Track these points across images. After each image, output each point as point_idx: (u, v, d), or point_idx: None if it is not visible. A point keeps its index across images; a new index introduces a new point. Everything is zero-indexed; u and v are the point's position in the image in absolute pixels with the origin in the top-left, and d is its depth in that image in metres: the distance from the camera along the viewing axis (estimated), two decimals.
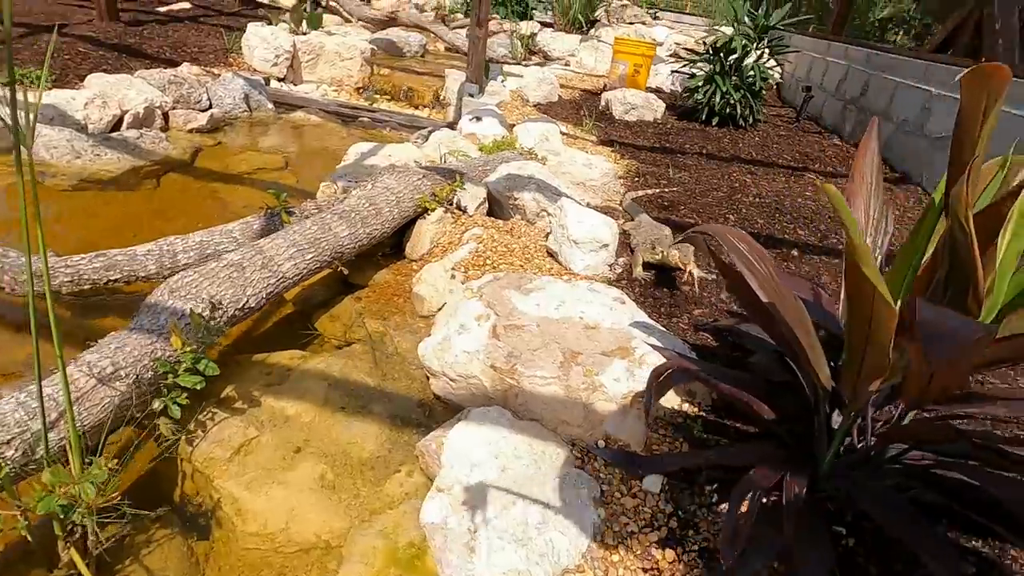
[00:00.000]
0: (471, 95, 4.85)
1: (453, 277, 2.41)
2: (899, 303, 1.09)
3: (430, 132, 4.32)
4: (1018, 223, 1.05)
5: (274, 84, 5.42)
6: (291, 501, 1.53)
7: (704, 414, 1.69)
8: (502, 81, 5.53)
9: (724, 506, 1.43)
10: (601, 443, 1.58)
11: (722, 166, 4.09)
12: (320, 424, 1.77)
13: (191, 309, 1.66)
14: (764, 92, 5.10)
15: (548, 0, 10.51)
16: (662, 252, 2.35)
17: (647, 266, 2.44)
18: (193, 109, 4.35)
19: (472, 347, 1.75)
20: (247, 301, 1.93)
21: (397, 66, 6.37)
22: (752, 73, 4.82)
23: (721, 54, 4.91)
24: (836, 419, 1.43)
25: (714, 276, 2.45)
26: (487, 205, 2.95)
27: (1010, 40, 3.68)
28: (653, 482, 1.47)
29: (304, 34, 5.75)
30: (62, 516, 1.14)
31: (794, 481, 1.25)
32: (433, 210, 2.78)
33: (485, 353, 1.72)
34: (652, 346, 1.76)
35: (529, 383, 1.62)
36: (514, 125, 4.38)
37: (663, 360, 1.71)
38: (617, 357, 1.72)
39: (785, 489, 1.24)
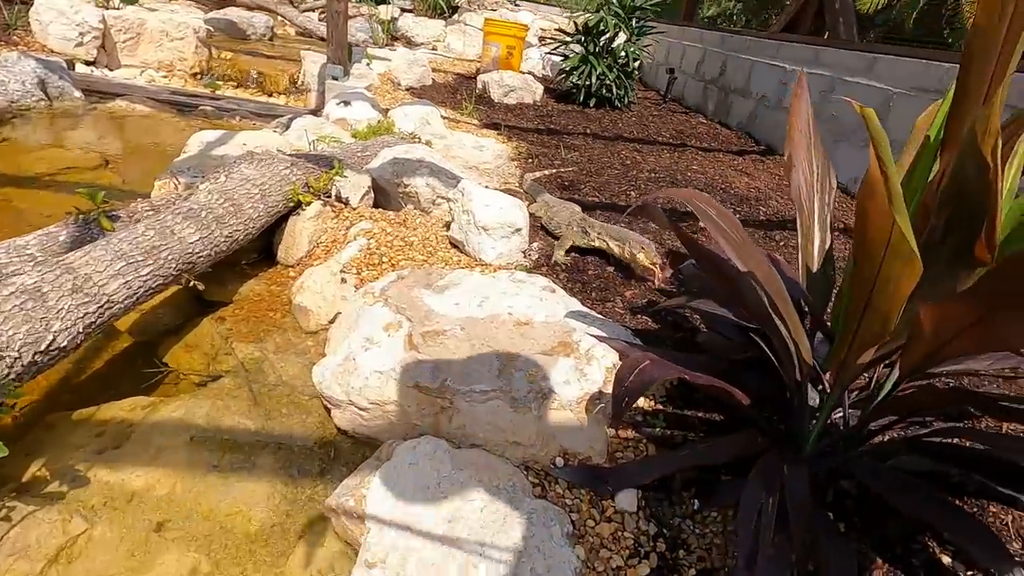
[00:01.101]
0: (335, 78, 4.33)
1: (344, 281, 1.99)
2: (916, 257, 0.94)
3: (290, 119, 3.76)
4: (1020, 157, 0.95)
5: (82, 69, 4.44)
6: None
7: (662, 407, 1.50)
8: (367, 64, 5.04)
9: (711, 514, 1.23)
10: (559, 460, 1.31)
11: (608, 145, 4.02)
12: (184, 495, 1.30)
13: (23, 332, 1.12)
14: (636, 74, 5.16)
15: None
16: (596, 236, 2.14)
17: (571, 249, 2.21)
18: None
19: (385, 365, 1.39)
20: (54, 339, 1.38)
21: (241, 49, 5.58)
22: (624, 54, 4.83)
23: (592, 34, 4.87)
24: (811, 396, 1.30)
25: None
26: (372, 195, 2.55)
27: (848, 19, 4.02)
28: (628, 500, 1.23)
29: (117, 8, 4.78)
30: None
31: (795, 477, 1.08)
32: (308, 203, 2.31)
33: (403, 371, 1.37)
34: (596, 337, 1.52)
35: (466, 401, 1.30)
36: (388, 109, 3.96)
37: (610, 351, 1.49)
38: (561, 355, 1.46)
39: (787, 485, 1.06)
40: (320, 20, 7.46)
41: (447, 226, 2.37)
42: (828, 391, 1.21)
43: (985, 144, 0.82)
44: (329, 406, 1.51)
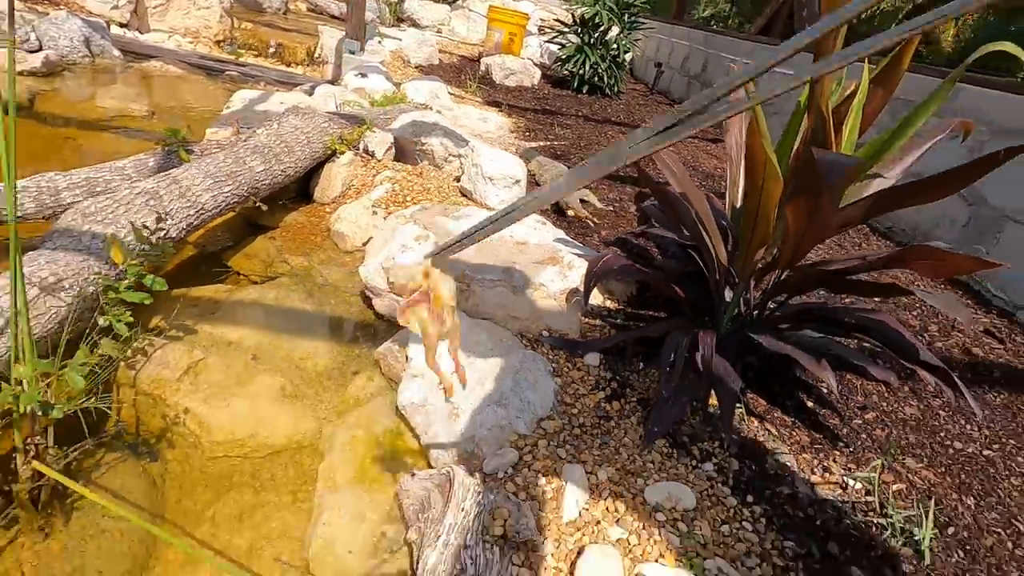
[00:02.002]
0: (352, 52, 4.74)
1: (375, 214, 2.46)
2: (782, 181, 1.43)
3: (312, 87, 4.18)
4: (855, 116, 1.44)
5: (115, 30, 4.79)
6: (255, 411, 1.54)
7: (623, 307, 1.99)
8: (379, 41, 5.45)
9: (650, 372, 1.72)
10: (545, 333, 1.80)
11: (598, 126, 4.50)
12: (268, 345, 1.77)
13: (134, 223, 1.57)
14: (626, 65, 5.64)
15: None
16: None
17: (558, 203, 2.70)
18: (18, 48, 3.73)
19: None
20: (167, 231, 1.83)
21: (259, 21, 5.95)
22: (616, 46, 5.30)
23: (588, 26, 5.33)
24: (728, 296, 1.80)
25: (611, 208, 2.79)
26: (394, 151, 3.00)
27: (814, 22, 4.53)
28: (593, 359, 1.72)
29: None
30: (41, 412, 1.08)
31: (705, 335, 1.57)
32: (343, 153, 2.77)
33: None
34: (575, 254, 2.01)
35: (480, 286, 1.79)
36: (400, 83, 4.39)
37: (585, 262, 1.98)
38: (549, 264, 1.94)
39: (699, 341, 1.56)
40: None
41: (457, 179, 2.84)
42: (738, 285, 1.71)
43: (822, 104, 1.32)
44: (371, 295, 1.98)
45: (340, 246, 2.43)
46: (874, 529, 1.27)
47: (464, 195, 2.73)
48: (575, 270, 1.94)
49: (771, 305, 1.75)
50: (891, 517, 1.28)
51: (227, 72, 4.64)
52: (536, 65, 6.17)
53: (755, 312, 1.73)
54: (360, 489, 1.34)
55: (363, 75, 4.28)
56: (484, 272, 1.82)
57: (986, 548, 1.27)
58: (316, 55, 5.34)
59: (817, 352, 1.42)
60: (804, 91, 1.49)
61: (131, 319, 1.47)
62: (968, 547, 1.26)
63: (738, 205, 1.87)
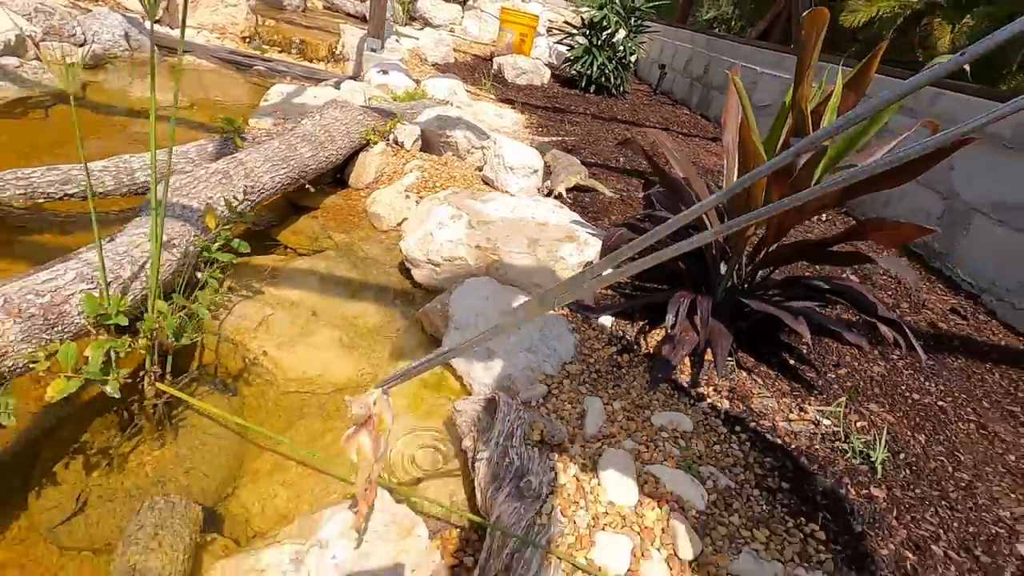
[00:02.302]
0: (373, 50, 5.01)
1: (407, 198, 2.73)
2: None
3: (337, 82, 4.44)
4: (830, 115, 1.71)
5: (148, 25, 5.04)
6: (319, 357, 1.82)
7: (631, 280, 2.27)
8: (397, 40, 5.71)
9: (655, 332, 2.00)
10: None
11: (605, 124, 4.78)
12: (324, 305, 2.05)
13: (224, 196, 1.85)
14: (631, 66, 5.91)
15: None
16: (580, 176, 2.90)
17: (570, 189, 2.98)
18: (66, 42, 4.00)
19: (454, 236, 2.14)
20: (237, 206, 2.10)
21: (281, 18, 6.21)
22: (623, 48, 5.58)
23: (596, 29, 5.60)
24: (723, 269, 2.07)
25: (619, 196, 3.07)
26: (420, 142, 3.27)
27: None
28: (606, 320, 2.00)
29: None
30: (173, 339, 1.35)
31: (703, 300, 1.85)
32: (376, 143, 3.04)
33: (467, 238, 2.12)
34: (590, 234, 2.28)
35: (508, 257, 2.06)
36: (419, 80, 4.66)
37: (599, 241, 2.25)
38: (567, 242, 2.22)
39: (698, 305, 1.84)
40: None
41: (479, 169, 3.12)
42: (731, 259, 1.98)
43: (803, 105, 1.59)
44: (410, 266, 2.25)
45: (376, 226, 2.70)
46: (838, 452, 1.55)
47: (486, 183, 3.00)
48: (590, 247, 2.21)
49: (760, 276, 2.02)
50: (852, 443, 1.56)
51: (255, 67, 4.91)
52: (545, 65, 6.44)
53: (746, 282, 2.01)
54: (414, 417, 1.62)
55: (385, 72, 4.55)
56: (512, 245, 2.10)
57: (929, 470, 1.55)
58: (337, 52, 5.60)
59: (796, 313, 1.70)
60: (789, 93, 1.76)
61: (221, 276, 1.74)
62: (914, 468, 1.54)
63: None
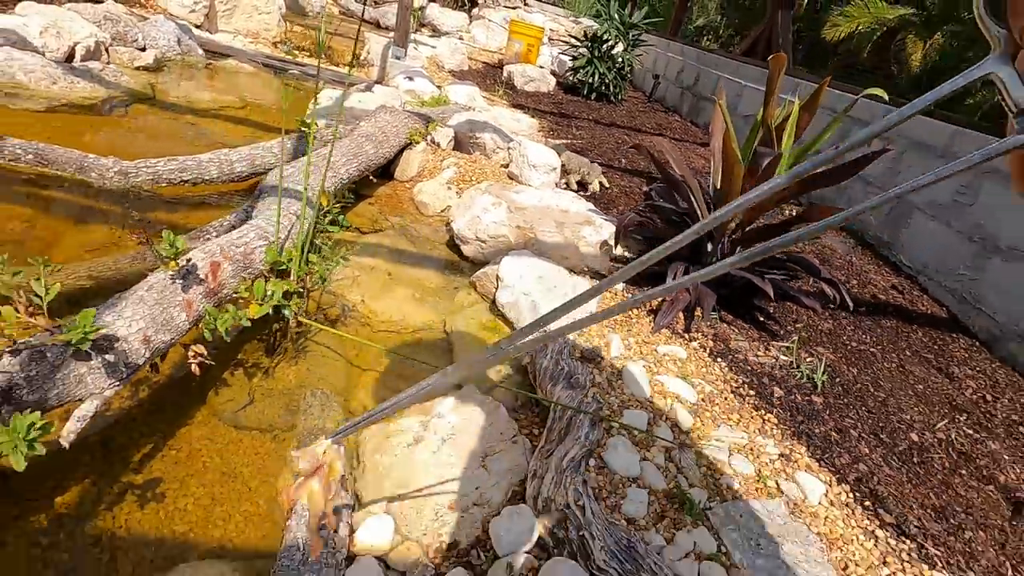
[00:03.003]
0: (397, 58, 5.53)
1: (449, 188, 3.28)
2: (745, 166, 2.27)
3: (368, 87, 4.96)
4: (790, 129, 2.29)
5: (194, 31, 5.52)
6: (399, 307, 2.35)
7: (636, 256, 2.83)
8: (415, 48, 6.24)
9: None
10: (584, 269, 2.63)
11: (606, 129, 5.35)
12: (395, 270, 2.58)
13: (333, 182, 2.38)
14: (628, 76, 6.49)
15: None
16: (586, 173, 3.47)
17: (580, 184, 3.54)
18: (130, 47, 4.47)
19: (498, 219, 2.69)
20: (316, 189, 2.62)
21: (305, 24, 6.70)
22: (621, 60, 6.16)
23: (597, 42, 6.18)
24: (709, 247, 2.64)
25: (623, 191, 3.64)
26: (453, 142, 3.81)
27: (788, 48, 5.43)
28: (619, 286, 2.56)
29: None
30: (322, 283, 1.89)
31: (693, 268, 2.42)
32: (418, 143, 3.57)
33: (508, 220, 2.67)
34: (604, 219, 2.84)
35: (541, 235, 2.62)
36: (440, 86, 5.19)
37: (611, 225, 2.81)
38: (586, 225, 2.77)
39: (689, 272, 2.40)
40: (358, 3, 8.57)
41: (505, 166, 3.66)
42: (715, 239, 2.55)
43: (769, 121, 2.17)
44: (459, 243, 2.79)
45: (423, 212, 3.24)
46: (791, 375, 2.12)
47: (511, 178, 3.55)
48: (604, 229, 2.77)
49: (737, 251, 2.60)
50: (802, 370, 2.13)
51: (289, 71, 5.40)
52: (550, 73, 7.00)
53: (726, 256, 2.58)
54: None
55: (410, 79, 5.08)
56: (544, 226, 2.65)
57: (856, 389, 2.13)
58: (362, 58, 6.11)
59: (763, 277, 2.28)
60: (760, 111, 2.33)
61: (330, 244, 2.27)
62: (845, 387, 2.12)
63: (718, 186, 2.73)
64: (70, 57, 3.90)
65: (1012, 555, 1.52)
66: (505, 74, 6.29)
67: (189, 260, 1.55)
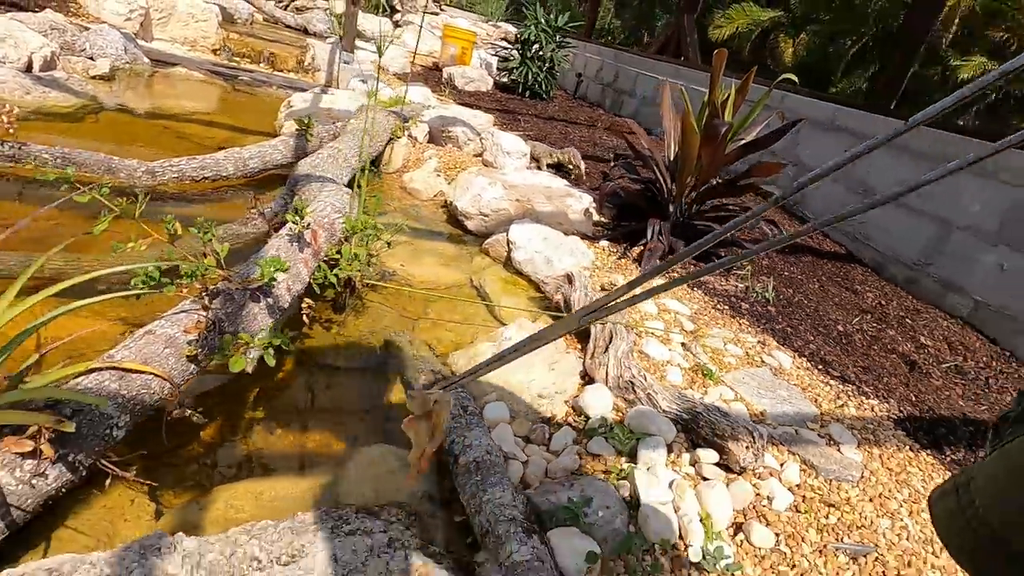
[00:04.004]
0: (347, 63, 5.78)
1: (438, 176, 3.67)
2: (699, 137, 2.87)
3: (322, 91, 5.19)
4: (730, 107, 2.93)
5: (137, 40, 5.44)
6: (432, 270, 2.74)
7: (611, 220, 3.39)
8: (357, 53, 6.48)
9: (634, 248, 3.12)
10: (574, 232, 3.14)
11: (547, 122, 5.92)
12: (416, 242, 2.96)
13: (339, 172, 2.72)
14: (557, 75, 7.12)
15: None
16: (558, 156, 4.00)
17: (549, 166, 4.06)
18: (80, 56, 4.43)
19: (497, 195, 3.14)
20: (342, 178, 2.95)
21: (241, 32, 6.72)
22: (550, 59, 6.77)
23: (528, 44, 6.75)
24: (671, 208, 3.25)
25: (592, 171, 4.21)
26: (428, 136, 4.20)
27: (694, 47, 6.29)
28: (604, 243, 3.10)
29: None
30: (371, 256, 2.25)
31: (664, 224, 3.01)
32: (400, 137, 3.93)
33: (507, 196, 3.13)
34: (581, 192, 3.38)
35: (536, 206, 3.10)
36: (393, 88, 5.51)
37: (587, 201, 3.35)
38: (568, 197, 3.29)
39: (660, 225, 2.99)
40: (286, 10, 8.60)
41: (478, 155, 4.11)
42: (677, 199, 3.16)
43: (716, 100, 2.79)
44: (463, 219, 3.20)
45: (417, 197, 3.61)
46: (750, 295, 2.76)
47: (486, 165, 4.00)
48: (584, 200, 3.30)
49: (695, 208, 3.23)
50: (756, 291, 2.78)
51: (240, 77, 5.49)
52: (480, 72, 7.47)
53: (688, 212, 3.20)
54: (505, 294, 2.61)
55: (364, 81, 5.37)
56: (536, 199, 3.14)
57: (795, 303, 2.81)
58: (306, 63, 6.27)
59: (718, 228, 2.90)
60: (707, 93, 2.96)
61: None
62: (788, 301, 2.79)
63: (672, 157, 3.35)
64: (28, 67, 3.86)
65: (913, 389, 2.20)
66: (445, 76, 6.69)
67: (308, 225, 1.88)
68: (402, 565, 1.05)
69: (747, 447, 1.50)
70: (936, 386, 2.30)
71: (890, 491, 1.58)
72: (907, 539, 1.43)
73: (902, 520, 1.49)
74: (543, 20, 6.72)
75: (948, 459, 1.85)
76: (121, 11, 5.41)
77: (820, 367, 2.21)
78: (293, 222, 1.80)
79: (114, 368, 1.25)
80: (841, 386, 2.11)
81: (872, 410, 2.01)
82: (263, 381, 1.78)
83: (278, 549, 1.07)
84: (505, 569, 1.05)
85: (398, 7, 10.92)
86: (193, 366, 1.41)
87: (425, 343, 2.26)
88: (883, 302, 3.08)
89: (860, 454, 1.71)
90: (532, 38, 6.71)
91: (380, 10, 10.41)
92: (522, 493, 1.32)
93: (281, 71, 6.24)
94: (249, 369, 1.56)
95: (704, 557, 1.25)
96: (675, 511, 1.35)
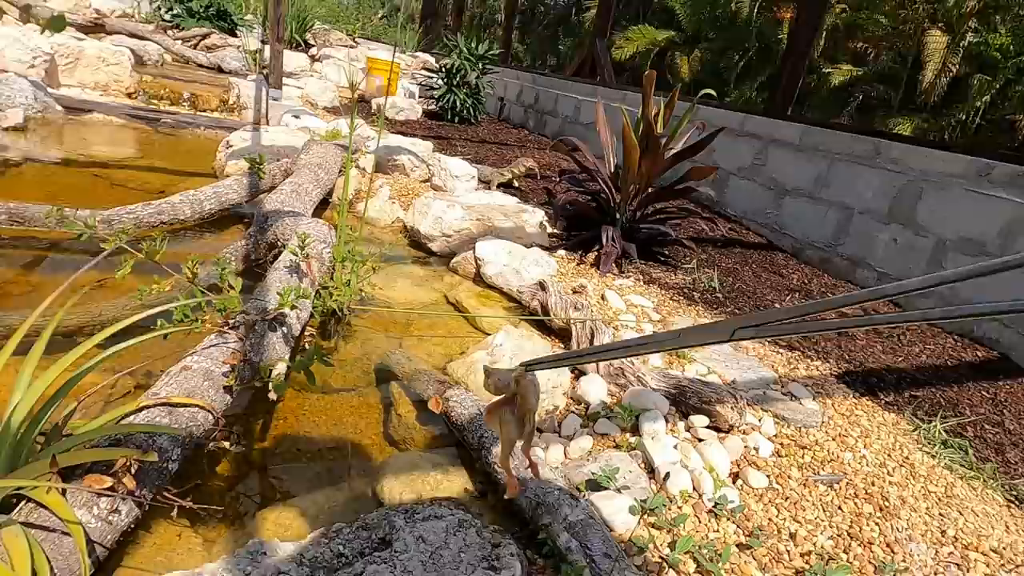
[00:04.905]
0: (275, 99, 5.75)
1: (393, 203, 3.79)
2: (638, 149, 3.19)
3: (254, 128, 5.15)
4: (661, 120, 3.27)
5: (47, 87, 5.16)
6: (407, 291, 2.86)
7: (562, 232, 3.64)
8: (282, 89, 6.45)
9: (589, 255, 3.38)
10: (533, 244, 3.36)
11: (480, 144, 6.16)
12: (385, 267, 3.06)
13: (304, 206, 2.79)
14: (483, 100, 7.41)
15: (250, 22, 11.01)
16: (510, 172, 4.24)
17: (499, 185, 4.28)
18: None
19: (458, 216, 3.30)
20: (307, 211, 3.01)
21: (154, 73, 6.51)
22: (476, 85, 7.06)
23: (453, 72, 7.01)
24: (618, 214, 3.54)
25: (537, 187, 4.45)
26: (376, 166, 4.30)
27: (608, 68, 6.79)
28: (561, 252, 3.33)
29: (50, 36, 5.51)
30: (362, 293, 2.35)
31: (614, 230, 3.29)
32: (349, 169, 4.00)
33: (468, 216, 3.30)
34: (532, 208, 3.61)
35: (497, 223, 3.29)
36: (327, 122, 5.56)
37: (540, 216, 3.59)
38: (523, 213, 3.51)
39: (612, 231, 3.27)
40: (196, 49, 8.38)
41: (426, 180, 4.26)
42: (623, 207, 3.46)
43: (649, 115, 3.12)
44: (426, 242, 3.34)
45: (376, 225, 3.70)
46: (696, 286, 3.08)
47: (436, 189, 4.16)
48: (537, 215, 3.54)
49: (640, 214, 3.54)
50: (703, 282, 3.10)
51: (163, 120, 5.34)
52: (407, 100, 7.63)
53: (633, 217, 3.51)
54: (481, 306, 2.77)
55: (297, 116, 5.39)
56: (495, 217, 3.34)
57: (737, 288, 3.16)
58: (231, 102, 6.16)
59: (664, 232, 3.22)
60: (640, 108, 3.29)
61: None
62: (730, 288, 3.14)
63: (612, 169, 3.66)
64: None
65: (844, 350, 2.58)
66: (374, 107, 6.79)
67: (307, 257, 1.96)
68: (476, 539, 1.18)
69: (732, 407, 1.74)
70: (861, 345, 2.69)
71: (846, 431, 1.88)
72: (867, 465, 1.72)
73: (860, 452, 1.78)
74: (466, 49, 7.01)
75: (883, 402, 2.20)
76: (24, 58, 5.12)
77: (769, 340, 2.53)
78: (293, 253, 1.88)
79: (164, 404, 1.30)
80: (789, 353, 2.44)
81: (817, 370, 2.34)
82: (272, 407, 1.84)
83: (359, 544, 1.17)
84: (568, 525, 1.21)
85: (311, 42, 10.89)
86: (229, 397, 1.47)
87: (419, 358, 2.37)
88: (806, 281, 3.52)
89: (817, 405, 2.01)
90: (457, 66, 6.97)
91: (294, 45, 10.36)
92: (555, 470, 1.49)
93: (205, 111, 6.10)
94: (273, 398, 1.63)
95: (716, 504, 1.47)
96: (684, 468, 1.56)
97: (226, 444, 1.46)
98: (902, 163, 3.44)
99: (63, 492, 1.04)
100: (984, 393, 2.42)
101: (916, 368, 2.58)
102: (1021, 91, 10.68)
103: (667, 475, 1.50)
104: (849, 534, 1.44)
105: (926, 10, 11.16)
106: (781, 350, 2.47)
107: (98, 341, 1.33)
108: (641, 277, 3.12)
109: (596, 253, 3.32)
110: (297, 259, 1.90)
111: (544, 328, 2.51)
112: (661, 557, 1.26)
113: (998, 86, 10.63)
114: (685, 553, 1.27)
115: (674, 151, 3.29)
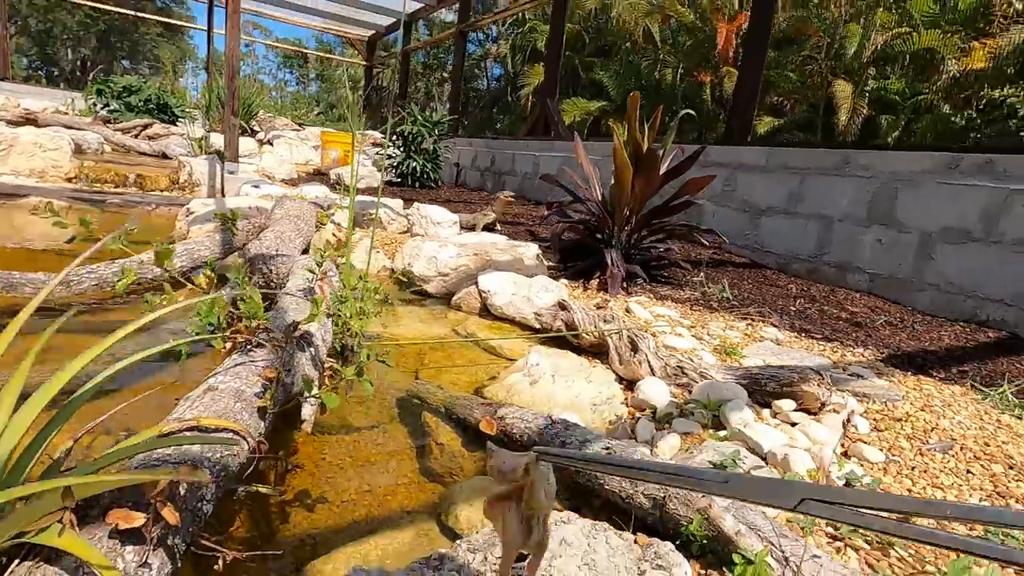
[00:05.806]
0: (231, 172, 5.57)
1: (377, 252, 3.60)
2: (631, 169, 3.19)
3: (208, 202, 4.91)
4: (646, 143, 3.31)
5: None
6: (414, 328, 2.63)
7: (559, 263, 3.54)
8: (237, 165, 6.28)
9: (592, 280, 3.27)
10: (532, 275, 3.23)
11: (447, 203, 6.11)
12: (390, 309, 2.82)
13: (292, 251, 2.57)
14: (441, 166, 7.48)
15: (191, 114, 10.93)
16: (491, 214, 4.15)
17: (485, 227, 4.18)
18: None
19: (453, 254, 3.14)
20: (293, 255, 2.78)
21: (96, 159, 6.22)
22: (435, 151, 7.13)
23: (410, 140, 7.08)
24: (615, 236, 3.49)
25: (506, 228, 4.37)
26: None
27: (562, 124, 7.06)
28: (564, 280, 3.21)
29: None
30: (365, 342, 2.12)
31: (615, 252, 3.22)
32: (325, 223, 3.82)
33: (464, 253, 3.15)
34: (523, 243, 3.51)
35: (495, 256, 3.15)
36: (288, 189, 5.39)
37: (534, 246, 3.49)
38: (518, 247, 3.40)
39: (612, 254, 3.19)
40: (137, 139, 8.16)
41: (404, 232, 4.11)
42: (617, 231, 3.41)
43: (637, 138, 3.15)
44: (421, 283, 3.14)
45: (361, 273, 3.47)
46: (710, 295, 3.00)
47: (416, 235, 4.00)
48: (531, 248, 3.43)
49: (638, 235, 3.50)
50: (715, 292, 3.03)
51: (109, 200, 5.02)
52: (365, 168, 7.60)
53: (632, 239, 3.45)
54: (496, 337, 2.56)
55: (257, 186, 5.20)
56: (493, 253, 3.20)
57: (747, 296, 3.11)
58: (183, 180, 5.91)
59: (664, 255, 3.18)
60: (626, 130, 3.32)
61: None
62: (742, 296, 3.08)
63: (600, 197, 3.64)
64: None
65: (875, 339, 2.52)
66: (333, 178, 6.70)
67: (324, 275, 1.74)
68: (619, 541, 0.95)
69: (818, 384, 1.59)
70: (886, 335, 2.65)
71: (927, 403, 1.76)
72: (969, 430, 1.59)
73: (955, 418, 1.66)
74: (421, 117, 7.13)
75: (937, 378, 2.11)
76: None
77: (804, 334, 2.45)
78: (311, 272, 1.66)
79: (194, 428, 1.03)
80: (829, 344, 2.35)
81: (862, 356, 2.25)
82: (296, 442, 1.56)
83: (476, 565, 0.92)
84: (723, 509, 0.99)
85: (257, 128, 10.89)
86: (263, 422, 1.21)
87: (449, 386, 2.12)
88: (804, 289, 3.52)
89: (886, 382, 1.89)
90: (414, 133, 7.05)
91: (241, 131, 10.30)
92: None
93: (153, 191, 5.81)
94: (308, 429, 1.36)
95: (847, 480, 1.29)
96: (797, 449, 1.38)
97: (260, 487, 1.17)
98: (872, 168, 3.60)
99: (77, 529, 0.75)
100: (1019, 364, 2.39)
101: (945, 349, 2.55)
102: (921, 127, 11.97)
103: (782, 457, 1.31)
104: (998, 493, 1.28)
105: (827, 65, 12.52)
106: (820, 342, 2.38)
107: (106, 347, 1.06)
108: (652, 296, 3.02)
109: (599, 279, 3.21)
110: (312, 280, 1.68)
111: (573, 347, 2.33)
112: (827, 534, 1.06)
113: (903, 123, 11.87)
114: (851, 530, 1.07)
115: (664, 170, 3.32)
